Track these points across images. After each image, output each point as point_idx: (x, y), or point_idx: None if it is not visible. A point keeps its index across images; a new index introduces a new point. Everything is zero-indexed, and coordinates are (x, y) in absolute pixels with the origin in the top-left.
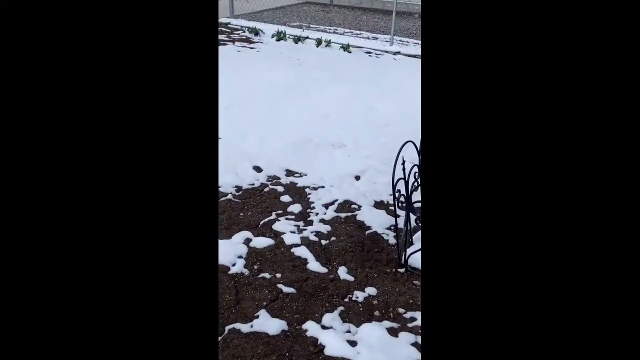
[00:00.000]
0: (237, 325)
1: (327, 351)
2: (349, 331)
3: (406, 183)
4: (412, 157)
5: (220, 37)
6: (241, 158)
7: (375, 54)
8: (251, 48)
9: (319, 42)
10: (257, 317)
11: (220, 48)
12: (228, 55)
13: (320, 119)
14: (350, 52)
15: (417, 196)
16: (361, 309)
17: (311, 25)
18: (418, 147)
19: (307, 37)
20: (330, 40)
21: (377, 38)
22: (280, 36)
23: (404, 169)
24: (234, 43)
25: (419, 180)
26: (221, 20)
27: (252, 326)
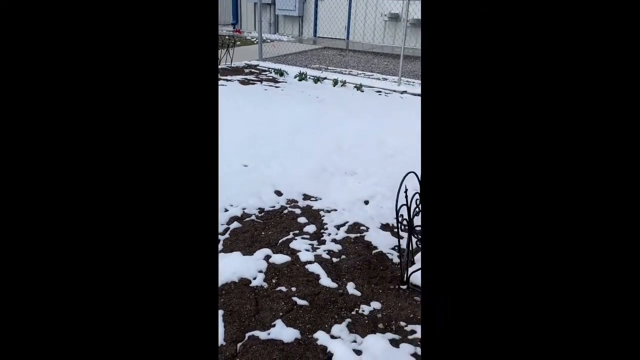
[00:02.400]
0: (256, 333)
1: (335, 359)
2: (355, 341)
3: (408, 209)
4: (414, 185)
5: (250, 77)
6: (265, 183)
7: (385, 93)
8: (276, 87)
9: (335, 82)
10: (274, 325)
11: (249, 87)
12: (256, 93)
13: (335, 150)
14: (362, 91)
15: (418, 221)
16: (366, 321)
17: (329, 67)
18: (419, 177)
19: (325, 78)
20: (345, 81)
21: (386, 79)
22: (301, 77)
23: (406, 196)
24: (261, 82)
25: (419, 206)
26: (251, 62)
27: (269, 334)
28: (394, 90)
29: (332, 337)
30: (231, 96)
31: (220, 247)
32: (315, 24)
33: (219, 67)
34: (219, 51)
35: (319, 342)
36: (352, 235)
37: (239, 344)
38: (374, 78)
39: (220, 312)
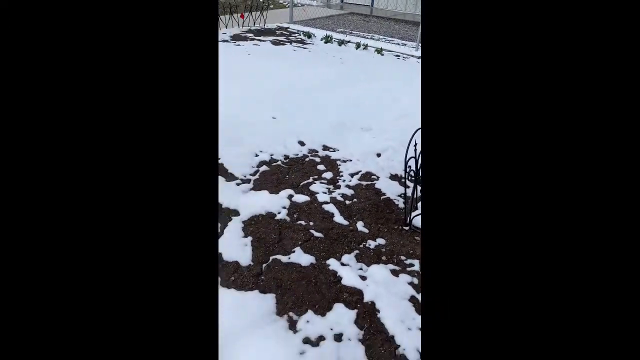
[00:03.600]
0: (279, 257)
1: (343, 282)
2: (361, 269)
3: (416, 161)
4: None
5: (280, 38)
6: (290, 134)
7: (403, 57)
8: (304, 48)
9: (358, 46)
10: (294, 252)
11: (280, 47)
12: (285, 53)
13: (354, 107)
14: (383, 55)
15: None
16: (372, 254)
17: (353, 32)
18: None
19: (349, 41)
20: (367, 45)
21: (405, 44)
22: (327, 39)
23: (415, 150)
24: (291, 43)
25: None
26: (282, 24)
27: (289, 258)
28: (412, 55)
29: (342, 264)
30: (263, 55)
31: (251, 185)
32: None
33: (254, 28)
34: (254, 13)
35: (330, 268)
36: (364, 183)
37: (264, 265)
38: (394, 43)
39: (250, 239)
